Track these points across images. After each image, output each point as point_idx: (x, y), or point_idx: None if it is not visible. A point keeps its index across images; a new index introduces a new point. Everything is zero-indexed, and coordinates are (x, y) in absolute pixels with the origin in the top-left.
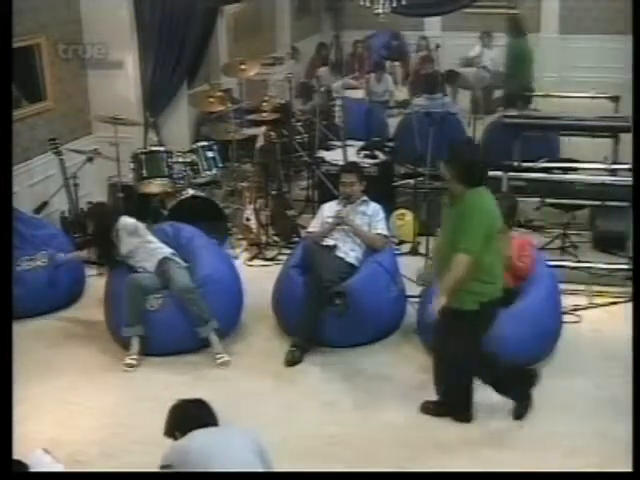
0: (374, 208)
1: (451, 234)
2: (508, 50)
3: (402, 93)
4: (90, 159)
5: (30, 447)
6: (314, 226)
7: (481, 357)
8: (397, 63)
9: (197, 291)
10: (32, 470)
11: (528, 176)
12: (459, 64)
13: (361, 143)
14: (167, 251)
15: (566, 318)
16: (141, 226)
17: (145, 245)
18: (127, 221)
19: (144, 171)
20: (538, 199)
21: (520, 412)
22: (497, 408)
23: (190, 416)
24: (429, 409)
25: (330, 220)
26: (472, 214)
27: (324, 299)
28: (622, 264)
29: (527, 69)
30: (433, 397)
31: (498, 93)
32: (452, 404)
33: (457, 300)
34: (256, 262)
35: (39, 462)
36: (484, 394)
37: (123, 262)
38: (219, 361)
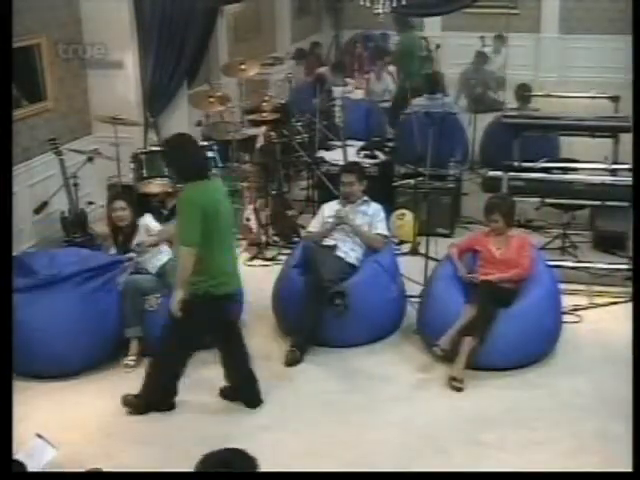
0: (375, 208)
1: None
2: (400, 45)
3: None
4: (90, 159)
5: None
6: (314, 226)
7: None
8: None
9: None
10: (28, 454)
11: (528, 176)
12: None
13: (361, 143)
14: (169, 255)
15: (566, 318)
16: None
17: (153, 247)
18: (151, 222)
19: (144, 171)
20: (538, 199)
21: (132, 404)
22: (493, 407)
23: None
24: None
25: (330, 220)
26: (183, 207)
27: (324, 299)
28: (622, 264)
29: (414, 61)
30: (434, 395)
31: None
32: (151, 395)
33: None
34: (256, 262)
35: (33, 446)
36: (485, 400)
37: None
38: None
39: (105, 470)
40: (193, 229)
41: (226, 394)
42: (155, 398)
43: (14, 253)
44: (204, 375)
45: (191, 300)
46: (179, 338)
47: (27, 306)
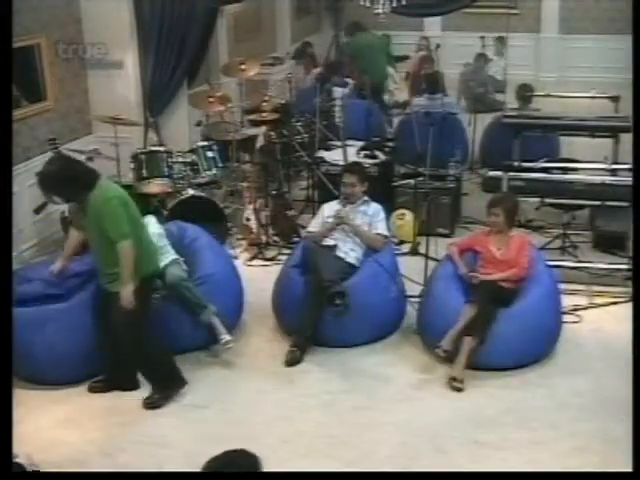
0: (375, 208)
1: (99, 236)
2: (352, 46)
3: (402, 93)
4: (90, 159)
5: (30, 447)
6: (314, 226)
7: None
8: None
9: (189, 280)
10: None
11: (528, 176)
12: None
13: (361, 143)
14: (173, 256)
15: (566, 318)
16: (162, 232)
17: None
18: (153, 223)
19: (144, 171)
20: (538, 199)
21: (154, 402)
22: (493, 407)
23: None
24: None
25: (330, 220)
26: (105, 207)
27: (324, 299)
28: (622, 264)
29: (375, 61)
30: (434, 396)
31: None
32: (162, 381)
33: (118, 284)
34: (256, 262)
35: None
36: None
37: None
38: (223, 341)
39: (105, 470)
40: (123, 222)
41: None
42: (168, 379)
43: (14, 253)
44: (202, 375)
45: (147, 284)
46: (142, 323)
47: (44, 319)
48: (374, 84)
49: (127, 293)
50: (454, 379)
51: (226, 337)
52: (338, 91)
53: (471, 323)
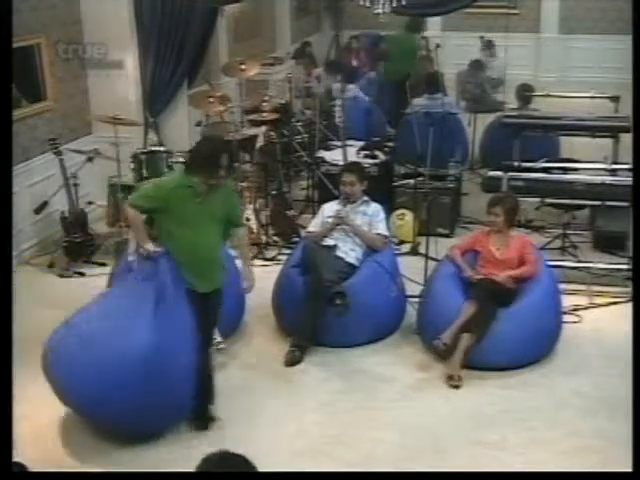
0: (375, 208)
1: (218, 222)
2: (398, 44)
3: None
4: (90, 159)
5: (30, 447)
6: (314, 226)
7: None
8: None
9: None
10: None
11: (528, 176)
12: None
13: (361, 143)
14: None
15: (566, 318)
16: None
17: None
18: None
19: (144, 171)
20: (538, 199)
21: (203, 425)
22: (493, 407)
23: None
24: None
25: (330, 220)
26: (234, 193)
27: (324, 299)
28: (622, 264)
29: (410, 62)
30: (434, 395)
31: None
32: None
33: (219, 280)
34: (256, 262)
35: None
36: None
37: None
38: (215, 341)
39: (105, 470)
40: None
41: None
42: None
43: (14, 253)
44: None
45: None
46: None
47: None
48: (399, 82)
49: (250, 280)
50: (450, 377)
51: (217, 339)
52: (337, 90)
53: (470, 320)
